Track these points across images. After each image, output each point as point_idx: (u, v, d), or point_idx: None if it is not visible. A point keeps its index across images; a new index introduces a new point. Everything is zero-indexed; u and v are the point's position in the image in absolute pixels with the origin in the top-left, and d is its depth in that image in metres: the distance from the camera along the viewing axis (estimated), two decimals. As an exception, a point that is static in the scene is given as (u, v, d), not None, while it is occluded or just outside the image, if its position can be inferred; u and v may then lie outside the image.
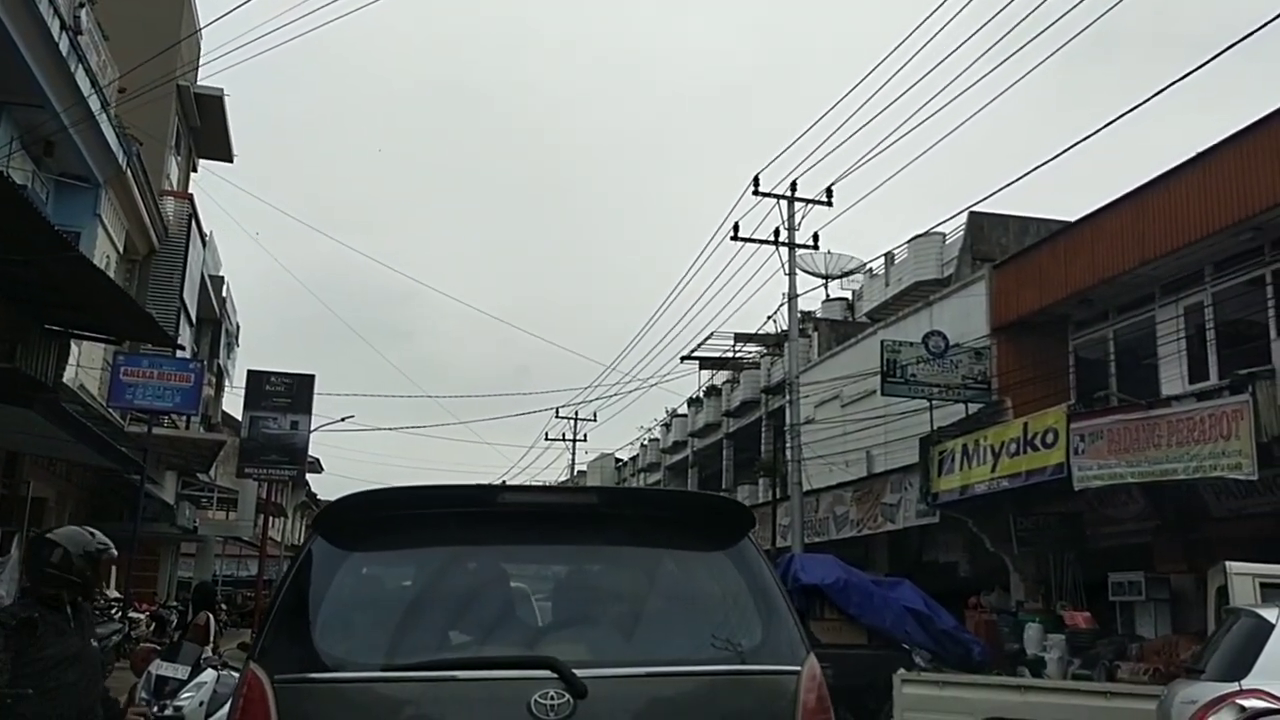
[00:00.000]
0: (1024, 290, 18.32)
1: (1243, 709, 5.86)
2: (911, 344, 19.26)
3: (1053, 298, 17.54)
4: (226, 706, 7.73)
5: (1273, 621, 6.24)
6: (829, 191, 22.49)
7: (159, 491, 23.59)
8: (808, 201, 22.61)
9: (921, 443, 18.55)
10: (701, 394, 38.75)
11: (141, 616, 19.34)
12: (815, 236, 23.24)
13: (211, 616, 10.42)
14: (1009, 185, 21.89)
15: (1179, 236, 14.75)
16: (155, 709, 7.82)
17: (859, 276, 30.76)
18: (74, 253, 8.04)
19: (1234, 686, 6.02)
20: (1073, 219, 17.71)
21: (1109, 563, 15.40)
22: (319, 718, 2.98)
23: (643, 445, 48.36)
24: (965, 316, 19.61)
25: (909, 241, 26.75)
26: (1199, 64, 11.27)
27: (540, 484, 44.03)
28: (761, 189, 22.48)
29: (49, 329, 9.35)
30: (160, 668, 8.40)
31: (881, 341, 19.88)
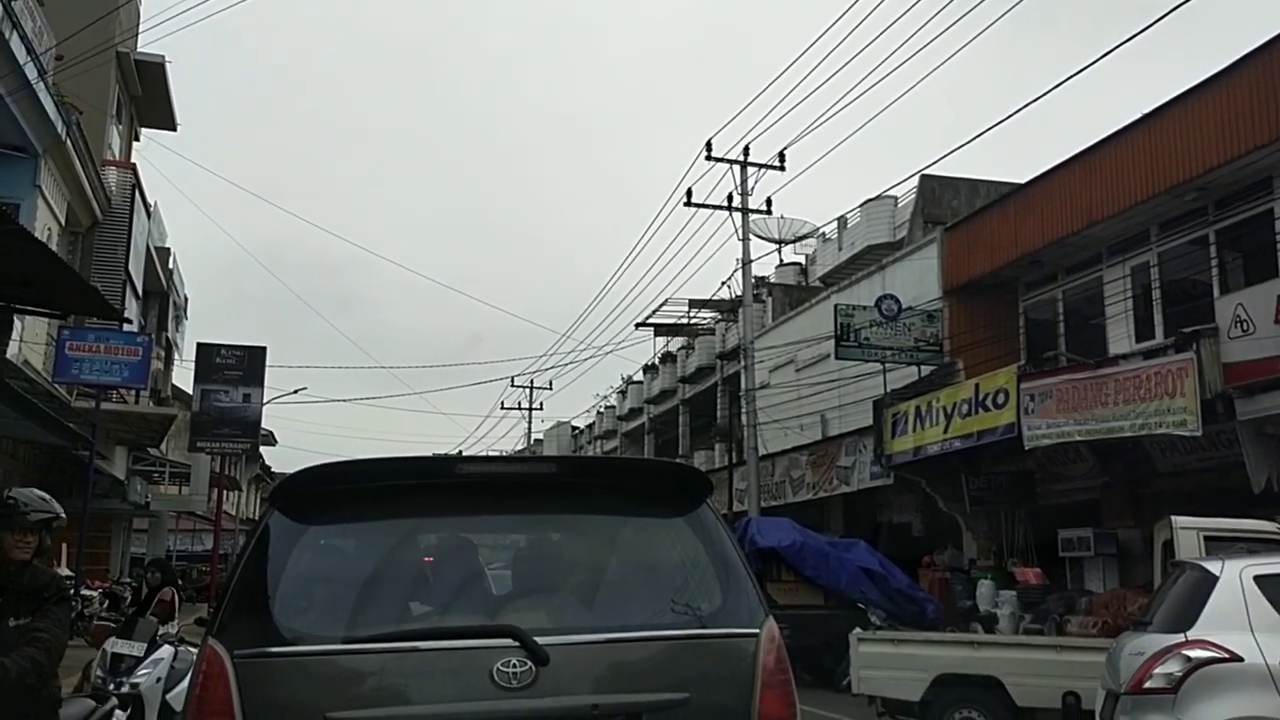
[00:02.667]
0: (975, 253, 18.48)
1: (1189, 659, 6.01)
2: (864, 308, 19.37)
3: (1003, 260, 17.71)
4: (185, 682, 7.68)
5: (1217, 574, 6.39)
6: (781, 156, 22.55)
7: (109, 467, 23.24)
8: (760, 166, 22.64)
9: (875, 405, 18.72)
10: (657, 361, 38.78)
11: (95, 594, 19.09)
12: (768, 201, 23.35)
13: (176, 591, 10.30)
14: (960, 148, 21.99)
15: (1126, 198, 14.94)
16: (112, 686, 7.74)
17: (812, 241, 30.87)
18: (14, 225, 7.83)
19: (1180, 637, 6.16)
20: (1023, 182, 17.88)
21: (1059, 520, 15.69)
22: (280, 692, 2.96)
23: (599, 413, 48.38)
24: (917, 279, 19.75)
25: (861, 205, 26.85)
26: (1145, 25, 11.39)
27: (498, 454, 43.97)
28: (714, 154, 22.46)
29: (-10, 304, 9.12)
30: (116, 645, 8.30)
31: (835, 305, 19.98)
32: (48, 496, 4.42)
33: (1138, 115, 14.80)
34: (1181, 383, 12.19)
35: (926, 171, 20.83)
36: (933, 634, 12.24)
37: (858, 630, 11.35)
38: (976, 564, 17.08)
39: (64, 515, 4.41)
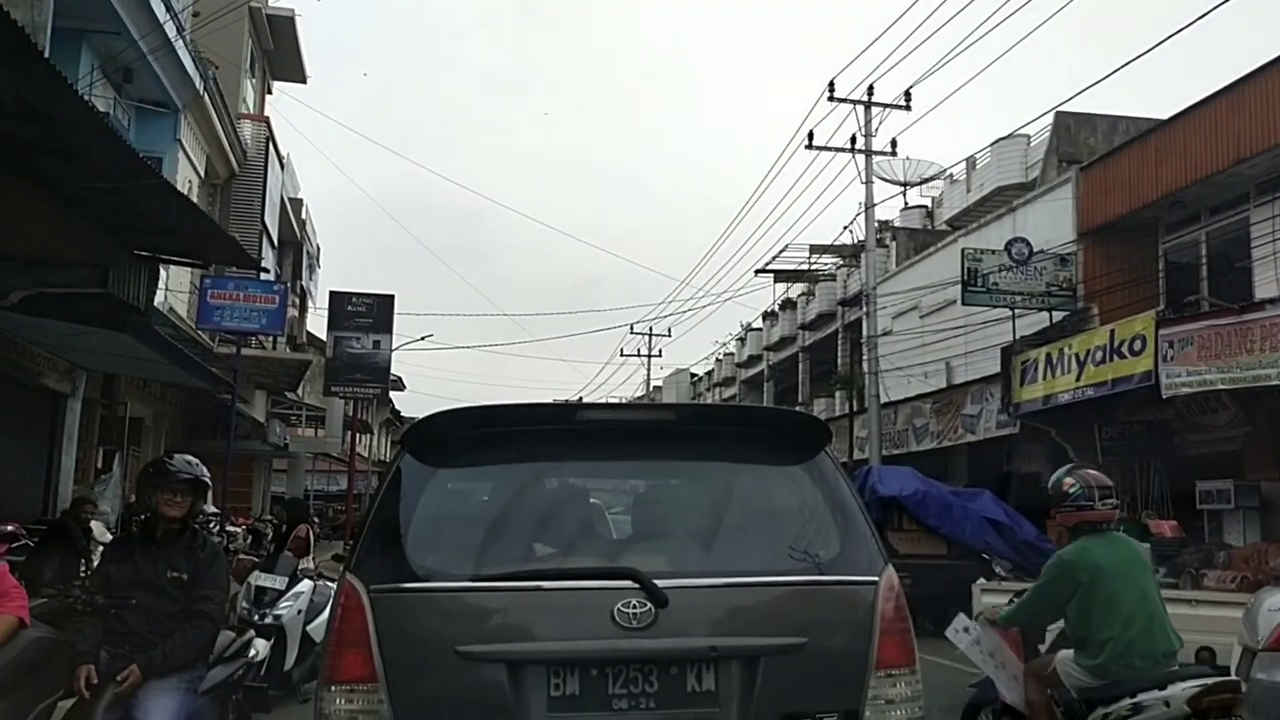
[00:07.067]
0: (1112, 193, 17.79)
1: (1334, 617, 5.77)
2: (993, 251, 18.90)
3: (1142, 200, 17.00)
4: (323, 615, 8.07)
5: (1368, 529, 6.11)
6: (907, 95, 21.96)
7: (249, 410, 24.30)
8: (885, 106, 22.09)
9: (1003, 352, 18.29)
10: (776, 307, 38.49)
11: (239, 530, 20.06)
12: (893, 142, 22.81)
13: (310, 528, 10.79)
14: (1098, 83, 21.11)
15: (1277, 133, 14.14)
16: (256, 617, 8.18)
17: (938, 183, 30.10)
18: (158, 179, 8.18)
19: (1325, 595, 5.92)
20: (1165, 117, 17.06)
21: (1197, 471, 15.17)
22: (413, 625, 3.10)
23: (718, 360, 48.33)
24: (1050, 221, 19.12)
25: (992, 145, 26.05)
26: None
27: (618, 400, 44.43)
28: (837, 94, 22.00)
29: (137, 254, 9.57)
30: (259, 579, 8.75)
31: (962, 250, 19.51)
32: (195, 460, 4.77)
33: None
34: (1335, 329, 11.57)
35: (1062, 108, 20.02)
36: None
37: (981, 580, 11.19)
38: (1108, 516, 16.62)
39: (208, 479, 4.76)
